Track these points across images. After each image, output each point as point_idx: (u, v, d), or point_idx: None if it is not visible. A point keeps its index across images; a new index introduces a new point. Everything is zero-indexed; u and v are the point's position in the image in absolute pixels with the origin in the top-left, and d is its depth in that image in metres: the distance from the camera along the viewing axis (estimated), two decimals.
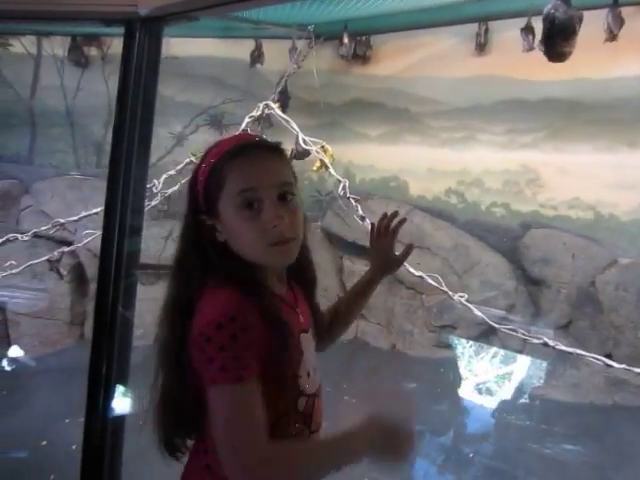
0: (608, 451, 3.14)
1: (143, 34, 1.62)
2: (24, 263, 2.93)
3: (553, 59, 3.08)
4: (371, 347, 4.46)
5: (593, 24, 3.25)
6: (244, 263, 0.92)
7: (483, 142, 4.55)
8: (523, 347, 3.80)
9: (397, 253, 1.23)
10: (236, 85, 5.21)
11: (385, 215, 1.21)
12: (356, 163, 5.08)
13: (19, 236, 2.86)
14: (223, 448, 0.82)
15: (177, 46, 4.61)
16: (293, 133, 2.48)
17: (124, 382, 1.68)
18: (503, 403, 3.65)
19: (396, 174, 4.97)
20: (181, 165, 2.68)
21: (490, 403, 3.70)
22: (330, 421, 1.03)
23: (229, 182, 0.90)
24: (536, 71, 3.98)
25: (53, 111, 5.39)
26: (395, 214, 1.20)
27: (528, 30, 3.63)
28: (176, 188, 2.76)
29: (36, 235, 3.00)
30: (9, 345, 4.18)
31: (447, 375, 4.04)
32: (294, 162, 1.08)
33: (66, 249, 3.01)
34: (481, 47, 4.32)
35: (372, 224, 1.24)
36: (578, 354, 2.30)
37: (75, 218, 2.78)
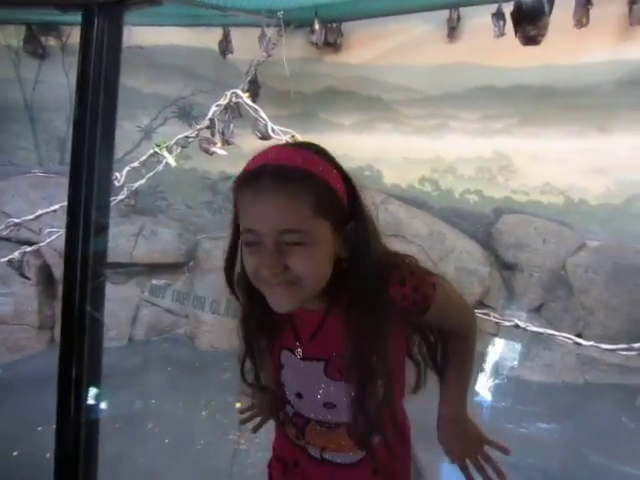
0: (581, 428, 3.21)
1: (102, 20, 1.54)
2: None
3: (525, 43, 3.08)
4: None
5: (564, 10, 3.27)
6: None
7: (456, 129, 4.56)
8: (497, 330, 3.85)
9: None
10: (205, 75, 5.08)
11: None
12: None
13: None
14: None
15: (142, 35, 4.46)
16: (263, 123, 2.43)
17: (96, 385, 1.62)
18: (479, 385, 3.70)
19: (370, 163, 4.94)
20: (144, 156, 2.60)
21: None
22: None
23: (240, 211, 0.90)
24: (507, 57, 4.00)
25: (11, 105, 5.14)
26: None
27: (499, 16, 3.63)
28: (143, 182, 2.68)
29: None
30: None
31: None
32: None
33: (27, 249, 2.89)
34: (453, 34, 4.30)
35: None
36: (549, 334, 2.34)
37: (32, 217, 2.67)
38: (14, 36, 5.02)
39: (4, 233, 3.03)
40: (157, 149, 2.80)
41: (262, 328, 1.01)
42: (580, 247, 4.10)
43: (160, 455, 2.84)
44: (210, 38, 4.79)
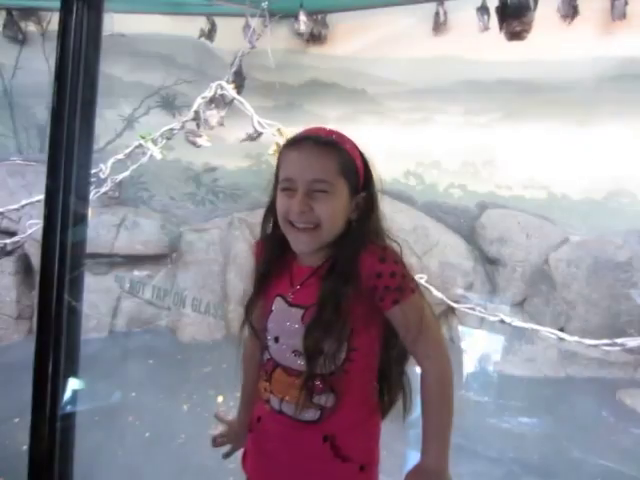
0: (562, 422, 3.24)
1: (81, 7, 1.50)
2: None
3: (510, 39, 3.09)
4: None
5: (547, 5, 3.28)
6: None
7: (441, 123, 4.56)
8: (481, 324, 3.88)
9: None
10: (188, 64, 5.02)
11: None
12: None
13: None
14: None
15: (124, 22, 4.37)
16: (248, 114, 2.41)
17: (74, 377, 1.59)
18: (462, 380, 3.73)
19: None
20: (129, 149, 2.56)
21: None
22: None
23: (282, 166, 1.12)
24: (491, 51, 4.01)
25: None
26: None
27: (484, 10, 3.64)
28: (127, 174, 2.64)
29: None
30: None
31: None
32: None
33: (7, 241, 2.84)
34: (439, 27, 4.30)
35: None
36: (532, 329, 2.37)
37: (16, 206, 2.62)
38: None
39: None
40: (142, 140, 2.76)
41: (269, 274, 1.19)
42: (562, 242, 4.14)
43: (140, 449, 2.80)
44: (192, 27, 4.73)
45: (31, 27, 4.96)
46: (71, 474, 1.58)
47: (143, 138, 2.67)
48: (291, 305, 1.13)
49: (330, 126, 1.17)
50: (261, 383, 1.19)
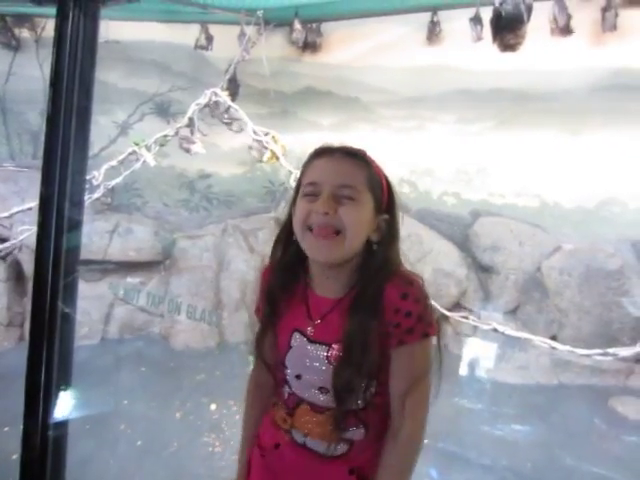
0: (555, 429, 3.24)
1: (77, 15, 1.51)
2: None
3: (503, 50, 3.12)
4: None
5: (541, 15, 3.32)
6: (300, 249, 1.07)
7: (434, 131, 4.60)
8: (474, 332, 3.89)
9: None
10: (183, 72, 5.03)
11: None
12: (309, 153, 5.02)
13: None
14: None
15: (119, 29, 4.39)
16: (243, 121, 2.42)
17: (66, 384, 1.58)
18: (455, 387, 3.73)
19: None
20: (123, 155, 2.56)
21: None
22: None
23: (307, 173, 1.08)
24: (484, 61, 4.04)
25: None
26: None
27: (476, 20, 3.67)
28: (120, 180, 2.64)
29: None
30: None
31: None
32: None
33: (0, 246, 2.82)
34: (433, 36, 4.34)
35: None
36: (525, 338, 2.37)
37: (7, 214, 2.60)
38: None
39: None
40: (136, 147, 2.76)
41: (280, 303, 1.11)
42: (555, 250, 4.16)
43: (132, 457, 2.78)
44: (187, 35, 4.75)
45: (25, 33, 4.96)
46: None
47: (137, 145, 2.67)
48: (311, 341, 1.07)
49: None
50: (278, 412, 1.13)
